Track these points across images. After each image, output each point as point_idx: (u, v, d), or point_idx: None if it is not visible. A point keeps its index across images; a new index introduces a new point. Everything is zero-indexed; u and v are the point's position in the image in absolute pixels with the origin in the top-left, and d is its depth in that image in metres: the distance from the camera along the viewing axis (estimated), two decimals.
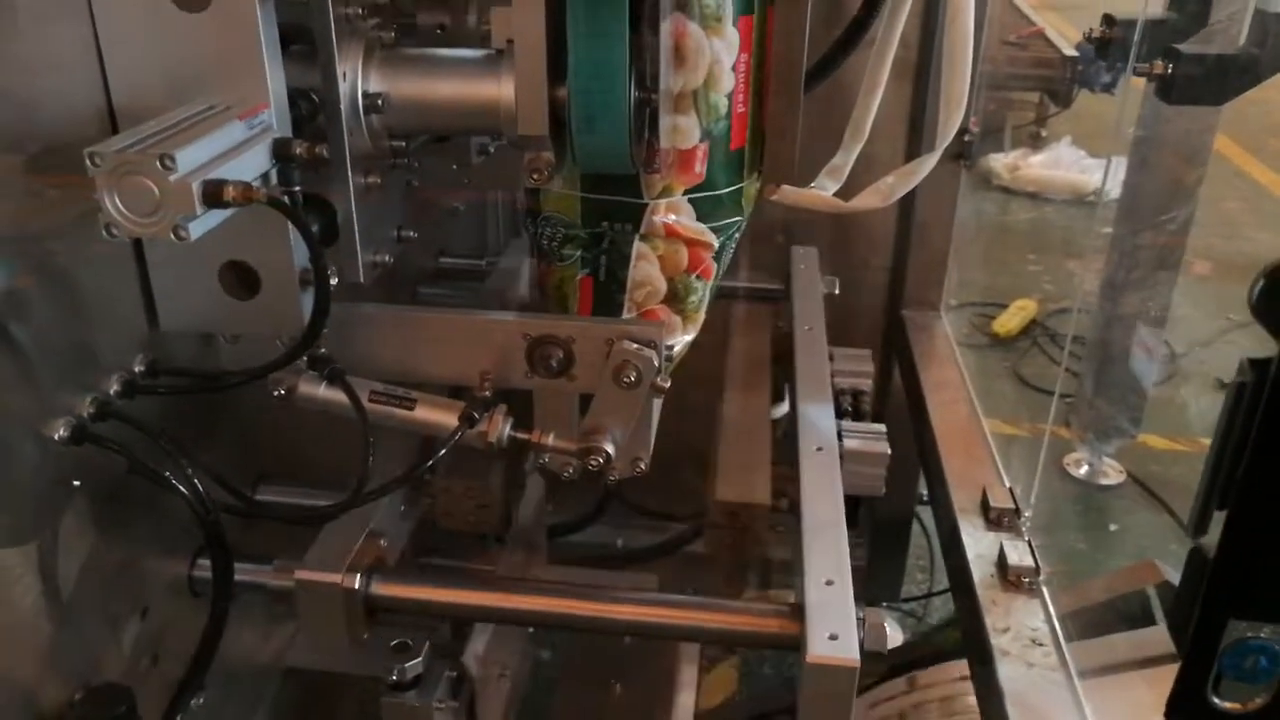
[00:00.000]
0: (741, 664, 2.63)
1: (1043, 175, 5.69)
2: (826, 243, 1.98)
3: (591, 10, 1.01)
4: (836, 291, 1.83)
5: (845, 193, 1.41)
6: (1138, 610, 2.04)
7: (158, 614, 1.12)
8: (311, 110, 1.06)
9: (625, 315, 1.29)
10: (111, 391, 1.00)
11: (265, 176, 0.92)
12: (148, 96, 0.94)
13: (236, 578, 1.14)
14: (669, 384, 1.14)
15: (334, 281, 1.01)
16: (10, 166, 0.88)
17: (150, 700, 1.09)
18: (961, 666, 1.91)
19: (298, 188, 0.96)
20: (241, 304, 1.05)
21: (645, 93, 1.09)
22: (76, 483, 0.98)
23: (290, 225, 0.98)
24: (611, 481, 1.20)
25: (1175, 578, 1.88)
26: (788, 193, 1.36)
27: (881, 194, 1.37)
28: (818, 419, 1.42)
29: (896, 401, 2.26)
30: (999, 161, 5.61)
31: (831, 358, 1.60)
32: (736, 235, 1.32)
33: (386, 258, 1.19)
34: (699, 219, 1.27)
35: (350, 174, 1.08)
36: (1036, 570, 1.50)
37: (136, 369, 1.03)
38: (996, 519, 1.63)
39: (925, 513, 2.54)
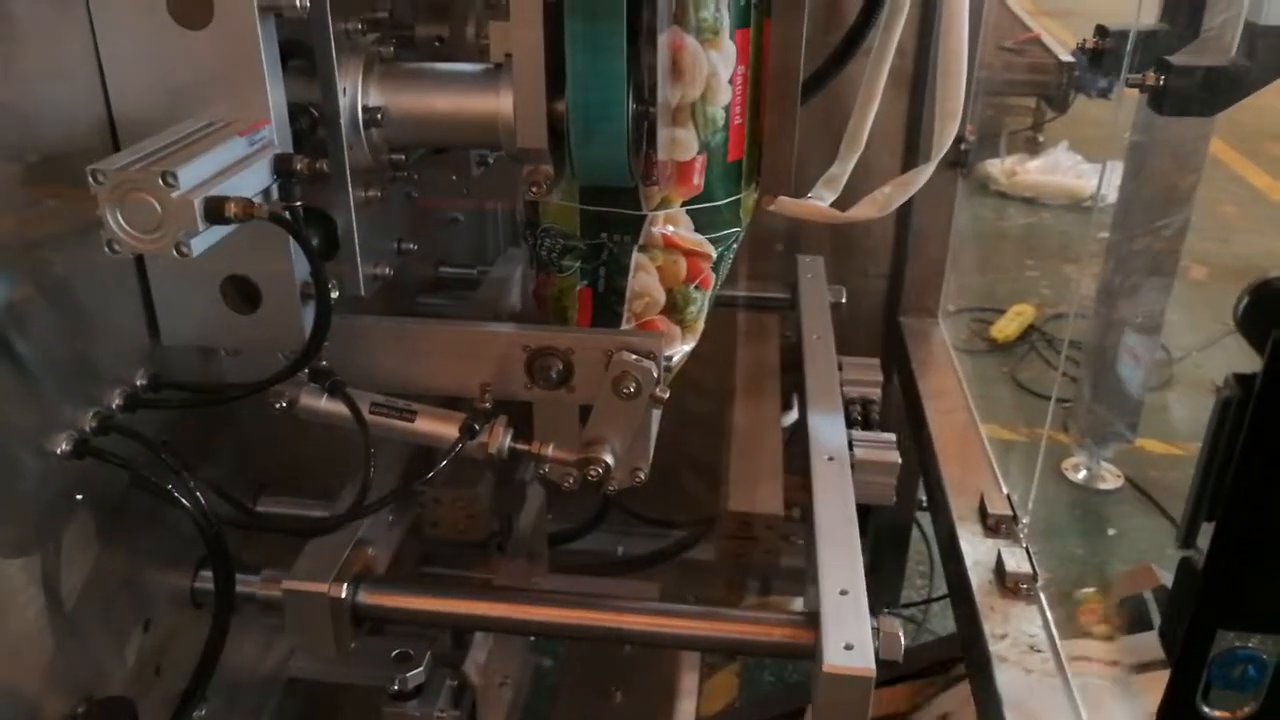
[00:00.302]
0: (742, 670, 2.63)
1: (1040, 180, 5.68)
2: (825, 251, 1.99)
3: (589, 24, 1.01)
4: (843, 300, 1.84)
5: (843, 201, 1.42)
6: (1135, 615, 2.05)
7: (160, 626, 1.13)
8: (312, 125, 1.07)
9: (624, 326, 1.30)
10: (113, 405, 1.00)
11: (266, 192, 0.93)
12: (149, 112, 0.95)
13: None
14: (668, 394, 1.15)
15: (335, 295, 1.01)
16: (12, 179, 0.89)
17: (153, 712, 1.10)
18: None
19: (299, 202, 0.97)
20: (243, 318, 1.06)
21: (643, 106, 1.10)
22: (79, 496, 0.99)
23: (291, 239, 0.98)
24: (611, 491, 1.21)
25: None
26: (785, 203, 1.37)
27: (878, 204, 1.38)
28: (828, 428, 1.43)
29: (895, 408, 2.26)
30: (996, 167, 5.60)
31: (840, 367, 1.60)
32: (735, 246, 1.33)
33: (387, 270, 1.20)
34: (697, 230, 1.27)
35: (350, 188, 1.09)
36: (1034, 577, 1.51)
37: (138, 382, 1.04)
38: (994, 526, 1.63)
39: (925, 518, 2.55)
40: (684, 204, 1.25)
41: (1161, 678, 0.85)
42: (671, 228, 1.26)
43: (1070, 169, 5.69)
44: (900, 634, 1.07)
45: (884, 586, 2.74)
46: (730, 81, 1.20)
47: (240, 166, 0.89)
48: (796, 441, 1.51)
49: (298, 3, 0.94)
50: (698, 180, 1.24)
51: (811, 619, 1.10)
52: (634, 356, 1.13)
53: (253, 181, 0.90)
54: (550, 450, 1.18)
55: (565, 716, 1.85)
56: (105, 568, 1.03)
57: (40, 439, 0.93)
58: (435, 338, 1.21)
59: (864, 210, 1.39)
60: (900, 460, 1.42)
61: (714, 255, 1.30)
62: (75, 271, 0.96)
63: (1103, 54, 1.87)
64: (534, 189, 1.10)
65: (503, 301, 1.59)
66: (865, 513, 1.29)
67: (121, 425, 1.00)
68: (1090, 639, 1.97)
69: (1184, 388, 3.71)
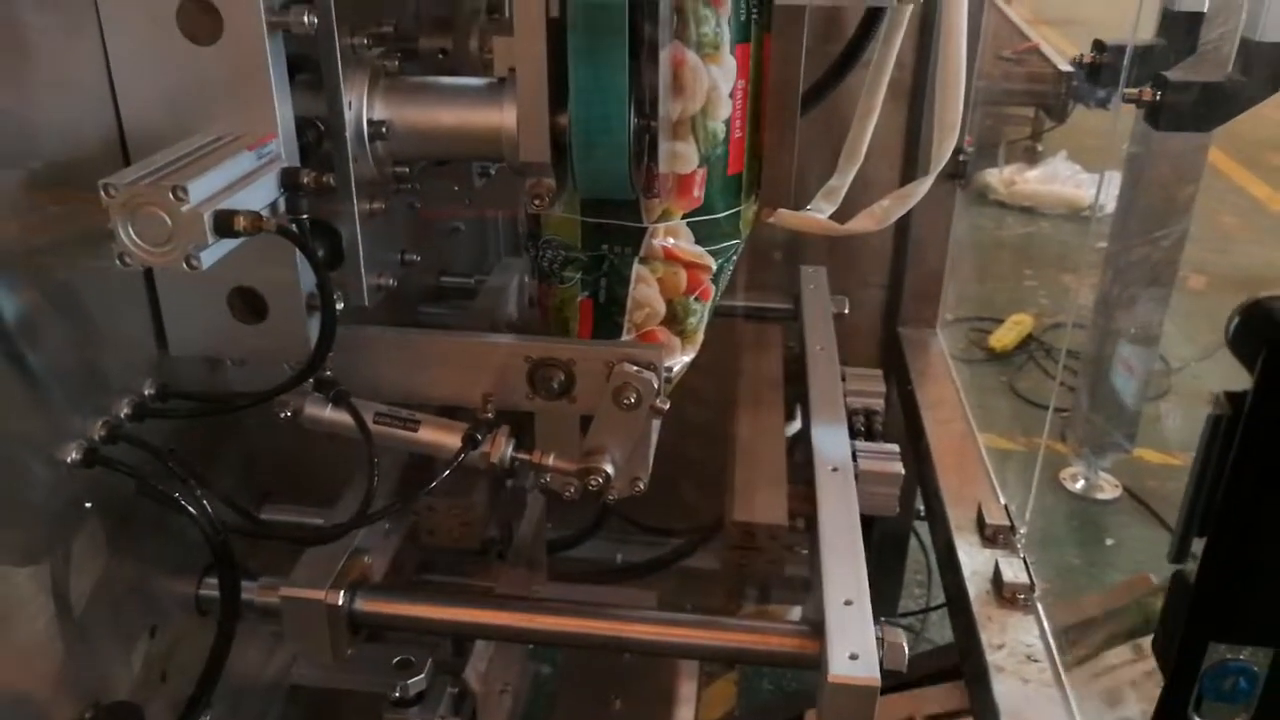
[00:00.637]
0: (740, 678, 2.64)
1: (1039, 190, 5.70)
2: (825, 261, 2.00)
3: (592, 40, 1.02)
4: (846, 311, 1.84)
5: (842, 213, 1.43)
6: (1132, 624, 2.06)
7: (166, 632, 1.14)
8: (318, 138, 1.08)
9: (625, 336, 1.31)
10: (122, 414, 1.01)
11: (274, 205, 0.94)
12: (159, 125, 0.97)
13: None
14: (668, 405, 1.16)
15: (340, 306, 1.03)
16: (24, 191, 0.90)
17: (158, 717, 1.11)
18: None
19: (305, 215, 0.99)
20: (249, 328, 1.07)
21: (644, 120, 1.10)
22: (88, 504, 1.00)
23: (297, 251, 1.00)
24: (611, 500, 1.22)
25: None
26: (784, 216, 1.38)
27: (876, 217, 1.39)
28: (832, 439, 1.43)
29: (893, 418, 2.27)
30: (995, 176, 5.62)
31: (844, 378, 1.61)
32: (734, 257, 1.35)
33: (390, 281, 1.21)
34: (697, 242, 1.29)
35: (355, 200, 1.10)
36: (1031, 587, 1.52)
37: (146, 392, 1.05)
38: (992, 536, 1.64)
39: (923, 527, 2.56)
40: (684, 216, 1.27)
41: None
42: (672, 240, 1.27)
43: (1069, 178, 5.71)
44: (904, 644, 1.08)
45: (881, 596, 2.74)
46: (730, 95, 1.22)
47: (248, 180, 0.90)
48: (799, 452, 1.52)
49: (305, 19, 0.96)
50: (698, 193, 1.25)
51: (816, 629, 1.10)
52: (635, 368, 1.14)
53: (260, 195, 0.92)
54: (551, 460, 1.19)
55: None
56: (113, 575, 1.04)
57: (50, 448, 0.94)
58: (438, 348, 1.22)
59: (862, 223, 1.40)
60: (903, 471, 1.43)
61: (714, 267, 1.31)
62: (85, 282, 0.97)
63: (1100, 69, 1.88)
64: (537, 202, 1.11)
65: (500, 311, 1.60)
66: (868, 524, 1.30)
67: (130, 434, 1.01)
68: None
69: (1182, 398, 3.72)
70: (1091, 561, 3.18)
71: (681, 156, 1.22)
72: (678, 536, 2.27)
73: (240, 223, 0.85)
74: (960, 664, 1.55)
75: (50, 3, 0.91)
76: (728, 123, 1.23)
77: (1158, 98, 1.68)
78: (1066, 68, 2.57)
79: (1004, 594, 1.52)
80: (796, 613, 1.56)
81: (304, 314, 1.06)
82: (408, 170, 1.16)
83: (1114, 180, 2.78)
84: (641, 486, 1.22)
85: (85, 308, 0.98)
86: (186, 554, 1.16)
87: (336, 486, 1.27)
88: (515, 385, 1.19)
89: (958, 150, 2.01)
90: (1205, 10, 1.86)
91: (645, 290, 1.29)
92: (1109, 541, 3.26)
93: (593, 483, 1.17)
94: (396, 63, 1.15)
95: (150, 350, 1.07)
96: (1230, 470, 0.71)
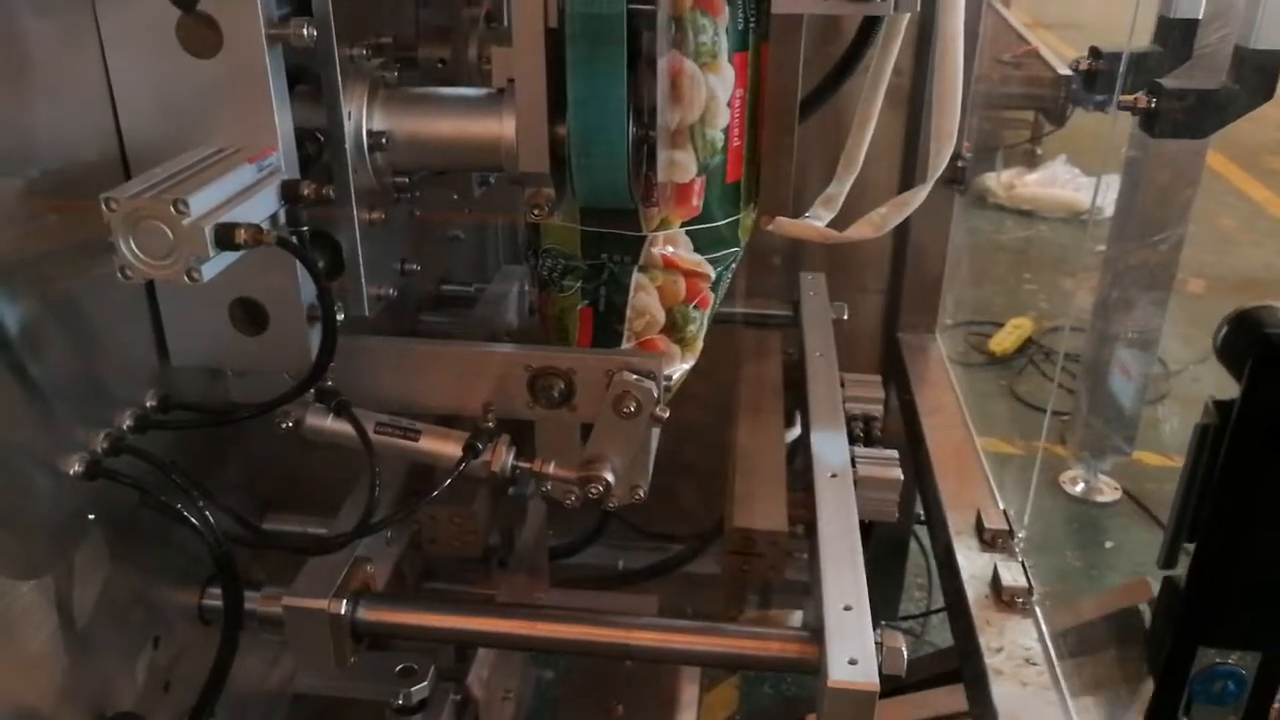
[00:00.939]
0: (742, 683, 2.65)
1: (1038, 193, 5.70)
2: (824, 267, 2.00)
3: (590, 50, 1.03)
4: (845, 317, 1.84)
5: (841, 220, 1.43)
6: (1130, 627, 2.06)
7: (170, 643, 1.14)
8: (318, 149, 1.08)
9: (625, 345, 1.31)
10: (124, 426, 1.02)
11: (274, 217, 0.95)
12: (159, 138, 0.97)
13: None
14: (668, 414, 1.16)
15: (340, 316, 1.03)
16: (25, 203, 0.90)
17: None
18: None
19: (305, 227, 0.99)
20: (250, 339, 1.07)
21: (643, 129, 1.11)
22: (91, 516, 1.00)
23: (298, 262, 1.00)
24: (611, 508, 1.22)
25: None
26: (783, 223, 1.38)
27: (874, 225, 1.39)
28: (831, 445, 1.44)
29: (892, 423, 2.28)
30: (994, 180, 5.62)
31: (843, 383, 1.61)
32: (733, 265, 1.35)
33: (390, 290, 1.22)
34: (696, 250, 1.29)
35: (355, 210, 1.11)
36: (1030, 590, 1.52)
37: (148, 404, 1.06)
38: (991, 540, 1.65)
39: (923, 531, 2.56)
40: (683, 225, 1.27)
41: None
42: (671, 248, 1.28)
43: (1068, 182, 5.71)
44: (903, 648, 1.08)
45: (882, 599, 2.74)
46: (729, 104, 1.22)
47: (249, 193, 0.91)
48: (799, 458, 1.52)
49: (305, 31, 0.96)
50: (697, 201, 1.25)
51: (815, 634, 1.11)
52: (635, 376, 1.15)
53: (261, 207, 0.92)
54: (552, 468, 1.20)
55: None
56: (116, 585, 1.05)
57: (53, 460, 0.95)
58: (439, 358, 1.22)
59: (860, 230, 1.40)
60: (902, 477, 1.43)
61: (713, 275, 1.32)
62: (86, 294, 0.97)
63: (1096, 75, 1.89)
64: (536, 211, 1.11)
65: (499, 319, 1.60)
66: (868, 529, 1.30)
67: (132, 446, 1.01)
68: None
69: (1181, 401, 3.73)
70: (1091, 564, 3.19)
71: (680, 165, 1.22)
72: (678, 542, 2.28)
73: (241, 236, 0.86)
74: (959, 667, 1.55)
75: (51, 16, 0.91)
76: (726, 131, 1.23)
77: (1153, 105, 1.68)
78: (1065, 72, 2.57)
79: (1003, 597, 1.52)
80: (797, 617, 1.57)
81: (305, 325, 1.06)
82: (407, 180, 1.16)
83: (1112, 184, 2.79)
84: (642, 494, 1.22)
85: (87, 319, 0.99)
86: (189, 564, 1.16)
87: (338, 496, 1.27)
88: (515, 394, 1.19)
89: (956, 156, 2.01)
90: (1200, 17, 1.86)
91: (644, 298, 1.29)
92: (1108, 544, 3.26)
93: (593, 490, 1.18)
94: (396, 73, 1.15)
95: (152, 361, 1.08)
96: (1218, 478, 0.72)
